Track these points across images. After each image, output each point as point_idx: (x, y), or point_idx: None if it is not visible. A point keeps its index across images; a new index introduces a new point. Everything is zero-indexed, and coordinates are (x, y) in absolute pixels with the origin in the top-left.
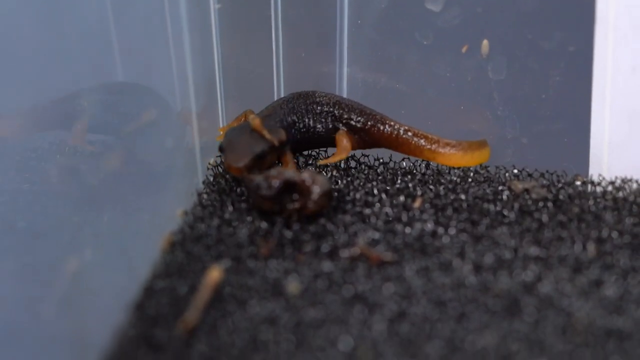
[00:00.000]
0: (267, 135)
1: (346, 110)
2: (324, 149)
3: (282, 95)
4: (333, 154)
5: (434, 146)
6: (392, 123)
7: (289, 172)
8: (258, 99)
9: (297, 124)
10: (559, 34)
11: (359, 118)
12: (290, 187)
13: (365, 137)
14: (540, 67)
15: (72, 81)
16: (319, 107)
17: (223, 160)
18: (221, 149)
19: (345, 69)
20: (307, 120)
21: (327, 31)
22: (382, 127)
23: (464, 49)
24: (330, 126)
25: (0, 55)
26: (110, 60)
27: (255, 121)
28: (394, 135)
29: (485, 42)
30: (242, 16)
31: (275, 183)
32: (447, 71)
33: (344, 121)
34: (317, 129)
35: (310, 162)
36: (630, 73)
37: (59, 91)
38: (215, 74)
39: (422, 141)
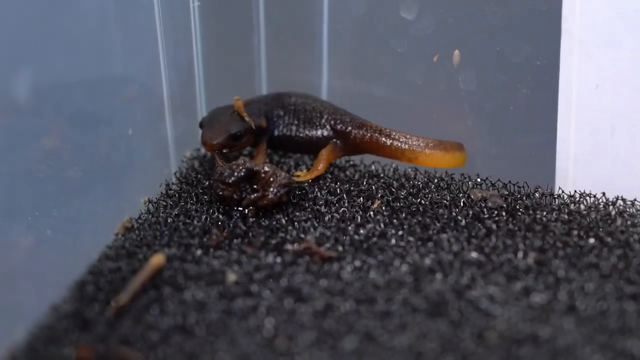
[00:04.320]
0: (246, 117)
1: (332, 113)
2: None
3: (264, 92)
4: (310, 170)
5: (414, 146)
6: (372, 126)
7: (253, 162)
8: (239, 95)
9: (282, 119)
10: (526, 47)
11: (342, 123)
12: (252, 178)
13: (348, 142)
14: (508, 80)
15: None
16: (307, 107)
17: (201, 135)
18: (201, 125)
19: (324, 72)
20: (292, 117)
21: (308, 33)
22: (363, 132)
23: (435, 58)
24: (314, 131)
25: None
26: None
27: (238, 102)
28: (374, 139)
29: (456, 52)
30: (224, 14)
31: (238, 170)
32: (420, 79)
33: (330, 124)
34: (301, 129)
35: (282, 160)
36: (593, 89)
37: (48, 80)
38: (195, 68)
39: (403, 142)
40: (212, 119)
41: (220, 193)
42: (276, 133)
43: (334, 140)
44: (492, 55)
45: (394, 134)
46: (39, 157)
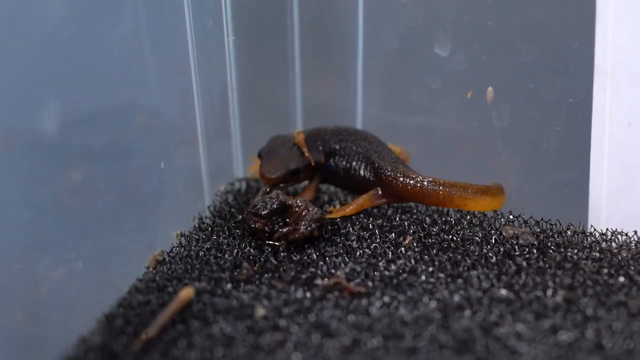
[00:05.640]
0: (307, 153)
1: (380, 158)
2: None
3: (299, 126)
4: (342, 206)
5: (464, 193)
6: (417, 175)
7: (286, 196)
8: (275, 129)
9: (338, 155)
10: (559, 84)
11: (386, 171)
12: (285, 211)
13: (391, 191)
14: (541, 117)
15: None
16: (362, 147)
17: (259, 167)
18: (259, 155)
19: (359, 105)
20: (347, 154)
21: (343, 67)
22: (408, 180)
23: (468, 95)
24: (363, 172)
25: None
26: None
27: (300, 136)
28: (421, 188)
29: (490, 89)
30: (259, 48)
31: (272, 202)
32: (453, 115)
33: (375, 167)
34: (354, 167)
35: (316, 195)
36: (626, 127)
37: (78, 112)
38: (229, 102)
39: (451, 190)
40: (271, 151)
41: (253, 225)
42: (331, 169)
43: (377, 188)
44: (525, 92)
45: (440, 181)
46: (70, 189)
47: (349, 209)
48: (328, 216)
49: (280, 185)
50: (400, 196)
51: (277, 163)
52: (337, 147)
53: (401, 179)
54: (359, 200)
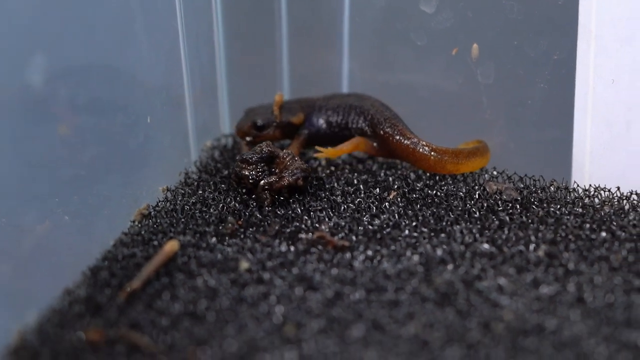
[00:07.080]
0: (275, 112)
1: (378, 113)
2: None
3: (285, 86)
4: (327, 148)
5: (456, 160)
6: (410, 136)
7: (274, 147)
8: (262, 88)
9: (332, 117)
10: (543, 41)
11: (384, 127)
12: (272, 162)
13: (387, 146)
14: (526, 74)
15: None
16: (357, 102)
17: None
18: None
19: (345, 64)
20: (342, 110)
21: (329, 26)
22: (404, 140)
23: (454, 52)
24: (360, 124)
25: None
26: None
27: (277, 97)
28: (411, 149)
29: (475, 46)
30: (246, 6)
31: (260, 150)
32: (439, 72)
33: (373, 122)
34: (350, 120)
35: (304, 150)
36: (609, 84)
37: (65, 66)
38: (216, 59)
39: (444, 156)
40: (251, 109)
41: (240, 172)
42: (322, 131)
43: (373, 142)
44: (510, 49)
45: (433, 147)
46: (56, 143)
47: (345, 148)
48: (321, 155)
49: (247, 139)
50: (393, 154)
51: (248, 118)
52: (330, 106)
53: (397, 137)
54: (354, 140)
